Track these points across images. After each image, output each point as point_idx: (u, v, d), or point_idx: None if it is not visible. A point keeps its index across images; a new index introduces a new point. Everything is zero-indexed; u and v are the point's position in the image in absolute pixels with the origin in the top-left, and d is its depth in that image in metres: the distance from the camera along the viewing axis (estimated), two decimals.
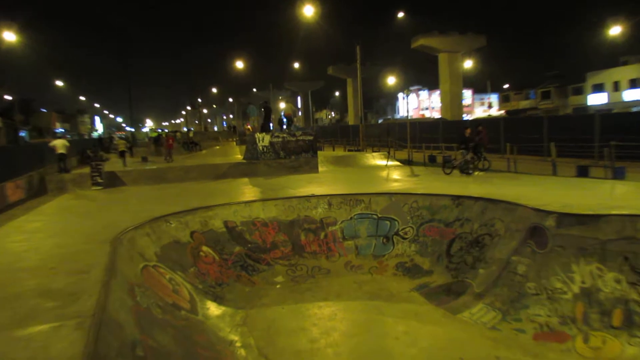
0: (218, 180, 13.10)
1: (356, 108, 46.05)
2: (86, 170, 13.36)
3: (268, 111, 16.01)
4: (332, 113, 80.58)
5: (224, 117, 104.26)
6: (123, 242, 6.08)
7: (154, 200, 9.82)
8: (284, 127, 16.20)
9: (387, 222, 8.03)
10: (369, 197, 8.43)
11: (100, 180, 12.29)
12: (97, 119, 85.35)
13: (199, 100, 70.54)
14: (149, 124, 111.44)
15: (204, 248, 7.14)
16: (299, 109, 77.81)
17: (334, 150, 27.94)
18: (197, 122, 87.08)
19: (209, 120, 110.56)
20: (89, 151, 17.00)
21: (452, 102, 38.52)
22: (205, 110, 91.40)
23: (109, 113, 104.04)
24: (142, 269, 5.75)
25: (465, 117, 46.65)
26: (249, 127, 24.16)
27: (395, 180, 11.86)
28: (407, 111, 23.05)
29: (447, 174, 12.18)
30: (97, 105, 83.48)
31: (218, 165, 14.30)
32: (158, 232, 6.85)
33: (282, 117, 16.53)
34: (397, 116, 60.16)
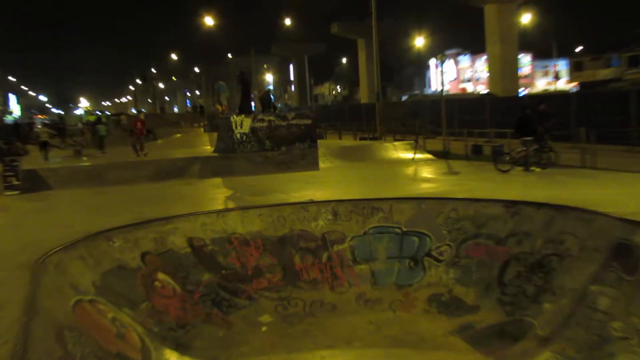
0: (179, 182, 13.30)
1: (371, 80, 44.75)
2: None
3: (246, 85, 16.10)
4: (338, 87, 79.84)
5: (188, 94, 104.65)
6: (48, 268, 6.19)
7: (90, 209, 9.99)
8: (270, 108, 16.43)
9: (415, 239, 8.16)
10: (389, 204, 8.51)
11: (16, 183, 12.40)
12: (12, 97, 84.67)
13: (153, 71, 70.30)
14: (83, 104, 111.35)
15: (161, 276, 7.27)
16: (291, 82, 78.05)
17: (340, 138, 28.17)
18: (150, 101, 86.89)
19: (167, 98, 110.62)
20: (2, 142, 17.09)
21: (504, 72, 38.19)
22: (161, 85, 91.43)
23: (29, 90, 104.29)
24: (74, 305, 5.86)
25: (523, 91, 46.08)
26: (220, 107, 24.55)
27: (426, 180, 12.12)
28: (442, 84, 22.70)
29: (504, 171, 12.30)
30: (12, 79, 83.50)
31: (179, 161, 14.36)
32: (96, 254, 6.97)
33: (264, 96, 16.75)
34: (428, 91, 59.67)
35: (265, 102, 16.87)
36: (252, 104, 17.24)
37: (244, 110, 16.00)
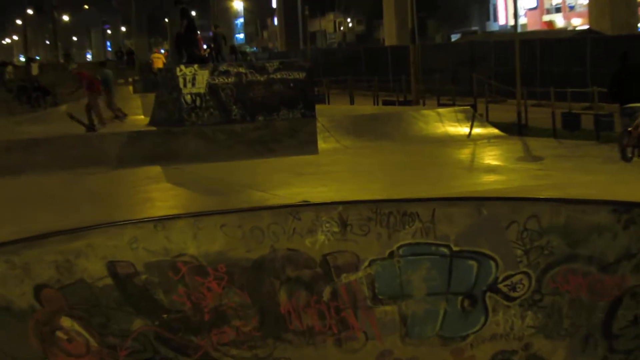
0: (93, 172, 13.49)
1: (401, 10, 42.96)
2: None
3: (191, 20, 16.69)
4: (349, 21, 78.32)
5: (108, 32, 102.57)
6: None
7: None
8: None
9: (472, 264, 8.09)
10: (431, 208, 8.35)
11: None
12: None
13: None
14: None
15: (66, 322, 7.28)
16: (272, 14, 76.70)
17: (352, 102, 28.24)
18: (48, 42, 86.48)
19: (75, 39, 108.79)
20: None
21: None
22: (66, 18, 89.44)
23: None
24: None
25: None
26: (158, 55, 24.41)
27: (490, 170, 12.56)
28: (516, 16, 22.55)
29: (628, 159, 12.07)
30: None
31: (93, 139, 14.63)
32: None
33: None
34: (493, 27, 59.54)
35: (217, 45, 16.98)
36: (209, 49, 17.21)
37: (194, 57, 16.01)
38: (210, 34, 16.93)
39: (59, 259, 7.43)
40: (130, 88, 31.42)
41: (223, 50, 17.18)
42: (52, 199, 11.07)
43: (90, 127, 15.89)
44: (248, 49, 67.12)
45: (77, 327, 7.22)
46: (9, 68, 36.74)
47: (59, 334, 7.07)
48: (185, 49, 16.25)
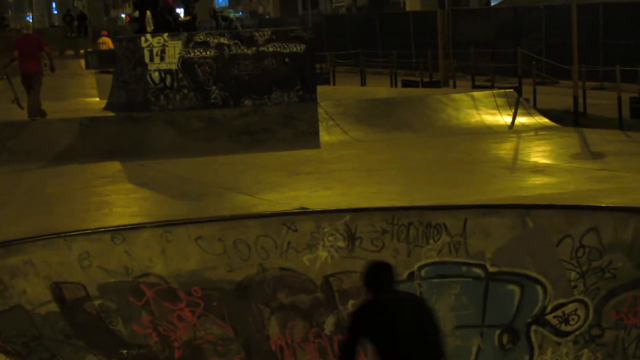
0: (36, 168, 13.91)
1: None
2: None
3: None
4: None
5: None
6: None
7: None
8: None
9: (514, 289, 8.25)
10: (462, 218, 8.56)
11: None
12: None
13: None
14: None
15: None
16: None
17: (364, 83, 28.53)
18: None
19: None
20: None
21: None
22: None
23: None
24: None
25: None
26: (105, 40, 24.81)
27: (537, 170, 12.67)
28: None
29: None
30: None
31: (34, 127, 14.93)
32: None
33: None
34: None
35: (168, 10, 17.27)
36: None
37: (161, 24, 16.28)
38: None
39: None
40: (82, 62, 31.54)
41: (217, 15, 17.30)
42: None
43: (35, 113, 15.96)
44: (232, 14, 67.18)
45: None
46: None
47: None
48: (151, 12, 16.35)
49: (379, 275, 5.47)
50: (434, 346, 5.31)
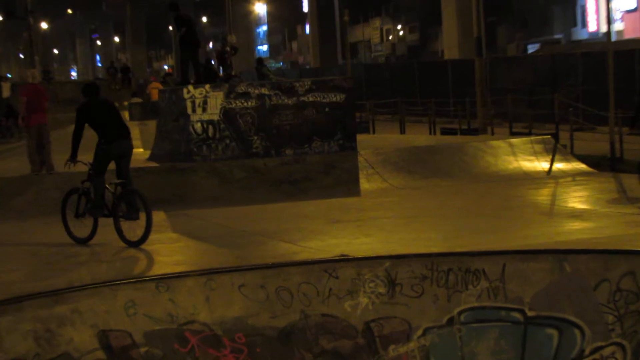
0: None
1: (464, 14, 43.93)
2: None
3: (190, 26, 16.94)
4: (399, 29, 79.44)
5: (97, 43, 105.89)
6: None
7: None
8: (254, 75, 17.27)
9: (552, 333, 8.32)
10: (500, 263, 8.66)
11: None
12: None
13: None
14: None
15: None
16: (304, 20, 77.59)
17: (403, 131, 28.97)
18: (22, 56, 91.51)
19: (57, 52, 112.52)
20: None
21: None
22: (44, 26, 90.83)
23: None
24: None
25: None
26: (156, 85, 25.23)
27: (575, 215, 12.75)
28: (609, 21, 22.87)
29: None
30: None
31: (80, 177, 14.79)
32: None
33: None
34: (582, 35, 61.09)
35: (222, 58, 17.55)
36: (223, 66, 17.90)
37: (201, 75, 16.76)
38: (220, 44, 17.60)
39: (38, 327, 7.73)
40: (126, 114, 32.16)
41: (263, 68, 17.89)
42: (28, 252, 11.60)
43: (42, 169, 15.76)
44: (273, 65, 68.45)
45: None
46: None
47: None
48: (192, 63, 16.72)
49: (90, 87, 12.63)
50: (122, 124, 12.48)
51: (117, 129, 12.48)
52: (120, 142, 12.45)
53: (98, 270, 10.87)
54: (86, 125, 12.35)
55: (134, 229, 12.16)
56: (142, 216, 12.30)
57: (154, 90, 30.63)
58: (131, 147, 13.14)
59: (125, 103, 34.73)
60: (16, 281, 9.81)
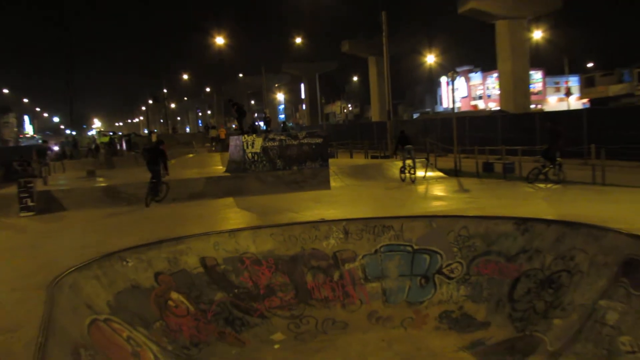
0: (192, 202, 20.42)
1: (382, 98, 70.38)
2: (12, 190, 19.58)
3: (239, 108, 26.38)
4: (349, 106, 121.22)
5: (199, 114, 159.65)
6: (63, 289, 8.58)
7: (104, 230, 15.11)
8: (263, 127, 27.95)
9: (426, 257, 11.56)
10: (400, 222, 12.26)
11: (31, 204, 18.46)
12: (26, 119, 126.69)
13: (165, 91, 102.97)
14: (97, 124, 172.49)
15: (174, 295, 10.50)
16: (302, 101, 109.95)
17: (351, 157, 39.37)
18: (162, 121, 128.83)
19: (179, 118, 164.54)
20: (16, 164, 24.40)
21: (516, 88, 56.99)
22: (173, 105, 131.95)
23: (42, 111, 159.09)
24: (90, 324, 8.05)
25: (535, 108, 67.13)
26: (223, 129, 34.37)
27: (437, 198, 18.27)
28: (453, 102, 31.40)
29: (538, 181, 18.28)
30: (26, 100, 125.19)
31: (191, 181, 21.93)
32: (111, 274, 10.22)
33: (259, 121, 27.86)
34: (440, 109, 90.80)
35: (266, 124, 29.01)
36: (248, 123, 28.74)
37: (246, 129, 25.28)
38: (263, 115, 27.30)
39: (170, 256, 11.03)
40: (214, 149, 43.28)
41: (285, 126, 27.54)
42: (164, 219, 15.78)
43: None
44: (290, 125, 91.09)
45: (181, 298, 10.54)
46: (117, 137, 54.01)
47: (170, 302, 10.29)
48: (241, 124, 25.73)
49: (151, 145, 20.13)
50: (156, 160, 19.87)
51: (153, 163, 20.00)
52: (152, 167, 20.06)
53: (201, 223, 14.49)
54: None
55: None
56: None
57: (222, 131, 42.96)
58: (157, 170, 19.77)
59: (213, 144, 45.54)
60: (160, 233, 13.56)
